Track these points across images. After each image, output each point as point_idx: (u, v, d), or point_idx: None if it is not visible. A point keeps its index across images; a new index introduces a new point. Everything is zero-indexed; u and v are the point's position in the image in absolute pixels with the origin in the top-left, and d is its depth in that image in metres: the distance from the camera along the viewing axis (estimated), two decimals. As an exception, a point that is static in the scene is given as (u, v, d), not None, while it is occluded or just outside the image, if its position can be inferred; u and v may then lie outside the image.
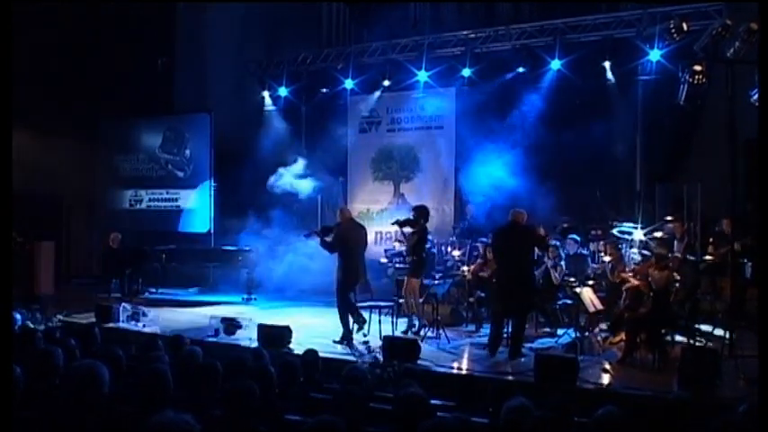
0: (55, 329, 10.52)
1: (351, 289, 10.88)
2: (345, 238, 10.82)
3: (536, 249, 10.56)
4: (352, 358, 9.36)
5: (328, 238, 10.97)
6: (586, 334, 10.27)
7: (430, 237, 13.94)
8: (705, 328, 10.56)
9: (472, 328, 11.65)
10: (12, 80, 5.52)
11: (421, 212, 11.33)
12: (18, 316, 10.80)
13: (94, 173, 19.02)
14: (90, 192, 18.91)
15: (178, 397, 5.09)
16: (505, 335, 9.95)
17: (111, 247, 15.30)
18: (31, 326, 10.01)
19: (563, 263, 11.49)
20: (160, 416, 3.47)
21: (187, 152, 18.20)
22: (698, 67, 9.38)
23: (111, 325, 11.56)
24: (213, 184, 17.62)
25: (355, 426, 4.73)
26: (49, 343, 6.59)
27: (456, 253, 12.96)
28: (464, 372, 9.06)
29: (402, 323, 11.39)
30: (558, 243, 11.80)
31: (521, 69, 14.53)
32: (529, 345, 10.20)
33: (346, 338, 10.57)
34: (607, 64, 13.91)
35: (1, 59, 5.23)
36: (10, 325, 5.22)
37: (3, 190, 4.83)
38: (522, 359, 9.39)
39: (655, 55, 13.18)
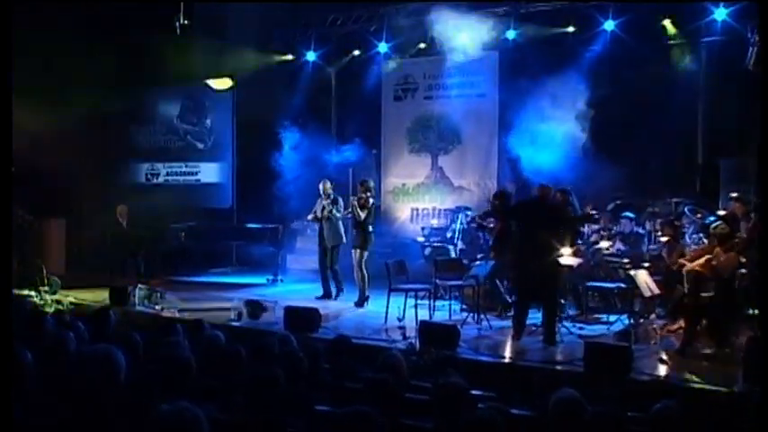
0: (66, 312, 10.63)
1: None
2: None
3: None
4: (386, 344, 9.36)
5: None
6: (641, 321, 10.22)
7: (469, 214, 14.00)
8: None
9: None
10: (13, 45, 5.55)
11: (364, 186, 12.69)
12: (27, 298, 10.97)
13: (107, 145, 19.07)
14: (104, 165, 18.97)
15: (199, 385, 5.13)
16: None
17: (120, 222, 15.22)
18: (41, 308, 10.14)
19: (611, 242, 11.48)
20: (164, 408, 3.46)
21: (207, 122, 18.24)
22: (769, 28, 9.19)
23: (126, 308, 11.64)
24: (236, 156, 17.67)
25: (390, 417, 4.72)
26: (59, 327, 6.66)
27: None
28: (507, 360, 9.07)
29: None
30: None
31: (570, 29, 14.34)
32: (578, 332, 10.19)
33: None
34: (667, 23, 13.65)
35: (2, 20, 5.26)
36: (9, 307, 5.24)
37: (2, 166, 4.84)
38: (562, 345, 9.51)
39: (720, 14, 12.91)
